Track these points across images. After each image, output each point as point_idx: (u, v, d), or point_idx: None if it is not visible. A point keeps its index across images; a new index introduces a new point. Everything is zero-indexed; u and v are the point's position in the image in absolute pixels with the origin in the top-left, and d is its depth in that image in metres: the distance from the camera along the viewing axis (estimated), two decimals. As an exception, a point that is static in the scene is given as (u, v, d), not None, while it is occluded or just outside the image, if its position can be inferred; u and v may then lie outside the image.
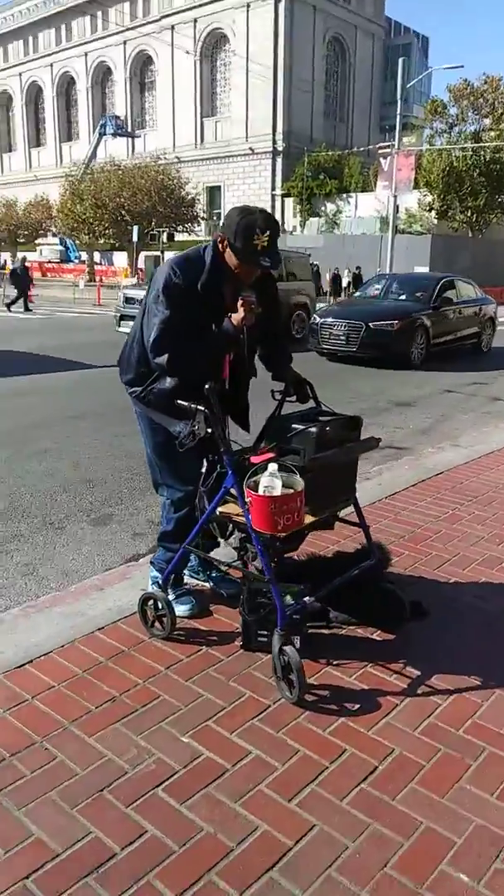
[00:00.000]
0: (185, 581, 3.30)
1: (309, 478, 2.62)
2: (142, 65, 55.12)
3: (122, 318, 14.34)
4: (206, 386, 2.54)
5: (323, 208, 42.34)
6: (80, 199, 32.86)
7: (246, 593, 2.81)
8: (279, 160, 46.71)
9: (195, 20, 49.70)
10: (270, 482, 2.44)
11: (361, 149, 42.29)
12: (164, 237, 29.94)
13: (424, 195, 35.59)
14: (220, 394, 2.87)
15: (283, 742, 2.32)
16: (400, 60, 26.69)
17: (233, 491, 2.64)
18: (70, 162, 46.42)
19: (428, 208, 36.16)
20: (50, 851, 1.88)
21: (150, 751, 2.27)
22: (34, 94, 63.56)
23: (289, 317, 14.56)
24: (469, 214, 36.20)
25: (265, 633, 2.78)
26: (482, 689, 2.65)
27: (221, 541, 3.14)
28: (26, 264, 25.29)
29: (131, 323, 11.35)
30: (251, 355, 3.00)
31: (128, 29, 53.22)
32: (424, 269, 27.69)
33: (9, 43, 63.65)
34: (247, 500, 2.49)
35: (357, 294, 15.52)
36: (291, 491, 2.47)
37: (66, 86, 60.85)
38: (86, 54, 57.76)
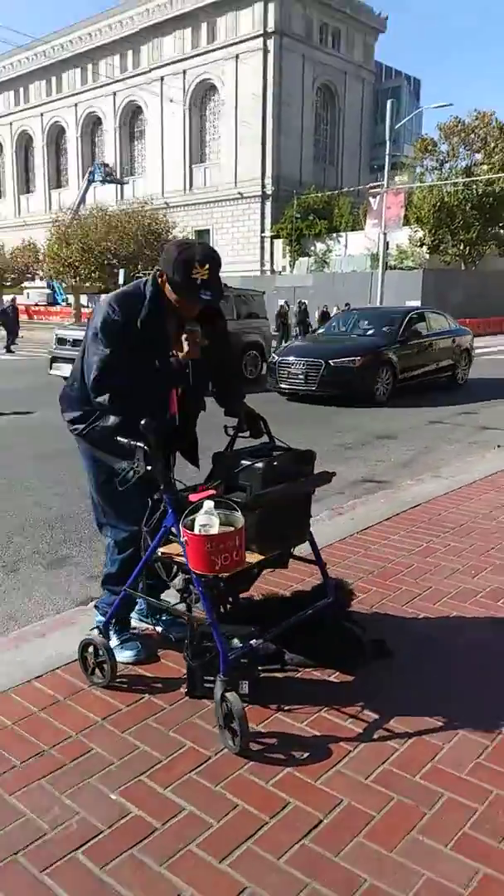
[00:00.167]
0: (133, 626, 3.17)
1: (256, 515, 2.53)
2: (131, 114, 56.62)
3: (55, 359, 13.57)
4: (143, 422, 2.47)
5: (313, 248, 43.00)
6: (67, 244, 33.38)
7: (189, 637, 2.68)
8: (268, 203, 47.61)
9: (184, 71, 51.21)
10: (207, 520, 2.34)
11: (351, 188, 43.17)
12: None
13: (415, 231, 36.20)
14: (170, 429, 2.82)
15: (220, 796, 2.17)
16: (388, 103, 27.44)
17: (174, 530, 2.54)
18: (59, 208, 47.27)
19: (419, 244, 36.75)
20: None
21: (73, 809, 2.12)
22: (24, 143, 65.13)
23: (241, 356, 14.01)
24: (462, 247, 36.79)
25: (211, 678, 2.64)
26: (444, 730, 2.51)
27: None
28: (16, 305, 25.54)
29: (63, 365, 11.27)
30: (200, 389, 2.95)
31: (118, 81, 54.84)
32: (416, 304, 27.99)
33: (0, 93, 65.49)
34: (182, 539, 2.39)
35: (321, 331, 15.13)
36: (231, 529, 2.37)
37: (57, 135, 62.39)
38: (76, 105, 59.39)
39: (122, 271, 29.42)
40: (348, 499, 5.69)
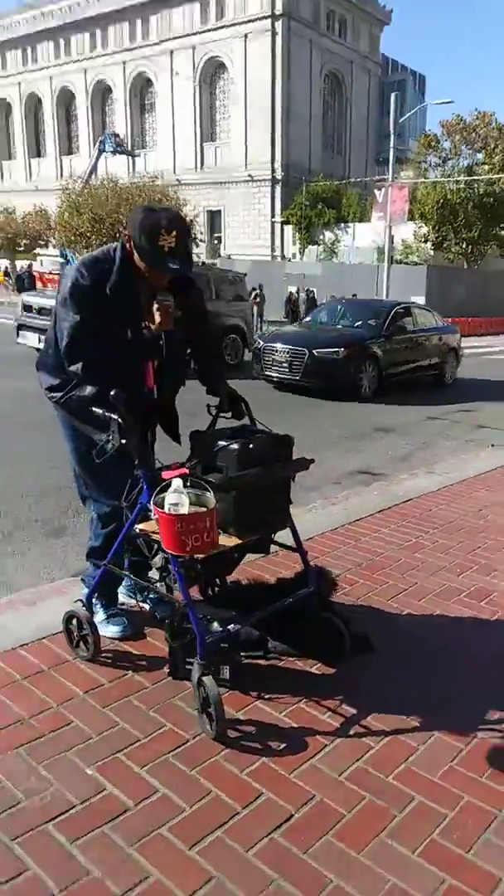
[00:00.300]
0: (121, 601, 3.13)
1: (233, 497, 2.48)
2: (141, 86, 55.66)
3: (21, 327, 12.72)
4: (112, 393, 2.39)
5: (321, 237, 42.65)
6: (78, 213, 32.84)
7: (170, 618, 2.65)
8: (278, 188, 47.09)
9: (193, 47, 50.32)
10: (177, 499, 2.29)
11: (359, 179, 42.77)
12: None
13: (420, 227, 35.92)
14: (146, 403, 2.75)
15: (195, 781, 2.15)
16: (392, 95, 27.08)
17: (150, 507, 2.48)
18: (70, 175, 46.55)
19: (423, 239, 36.47)
20: None
21: (48, 781, 2.09)
22: (34, 105, 63.91)
23: (220, 340, 13.09)
24: (464, 246, 36.54)
25: (193, 660, 2.61)
26: (420, 731, 2.48)
27: None
28: (32, 272, 25.09)
29: (29, 334, 10.93)
30: (177, 364, 2.86)
31: (126, 50, 53.84)
32: (420, 299, 27.82)
33: (7, 51, 64.06)
34: (153, 517, 2.34)
35: (307, 319, 14.33)
36: (203, 509, 2.32)
37: (67, 100, 61.27)
38: (85, 71, 58.20)
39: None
40: (343, 489, 5.65)
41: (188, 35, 50.52)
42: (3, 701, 2.44)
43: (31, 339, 12.18)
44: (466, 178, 34.93)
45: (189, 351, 2.99)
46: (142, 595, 3.16)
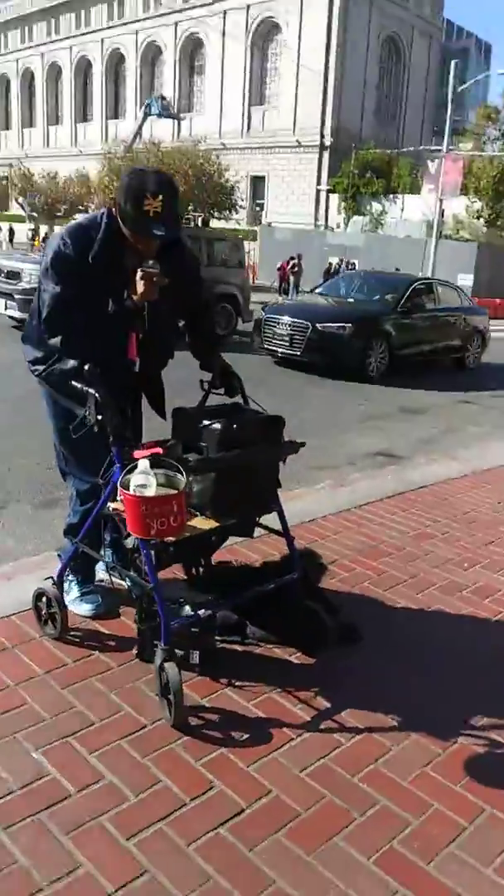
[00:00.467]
0: (100, 578, 3.08)
1: (211, 479, 2.41)
2: (192, 48, 55.09)
3: None
4: (86, 368, 2.33)
5: (368, 207, 41.87)
6: (118, 177, 32.85)
7: (139, 599, 2.59)
8: (326, 155, 46.28)
9: (248, 6, 49.44)
10: (144, 480, 2.21)
11: (412, 148, 41.75)
12: (199, 222, 29.81)
13: (473, 202, 34.97)
14: (127, 376, 2.68)
15: (145, 770, 2.10)
16: (452, 63, 26.26)
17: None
18: (115, 138, 46.47)
19: (476, 215, 35.52)
20: None
21: (-10, 764, 2.06)
22: (83, 68, 63.88)
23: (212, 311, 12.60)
24: (520, 224, 35.51)
25: (161, 643, 2.56)
26: (397, 731, 2.40)
27: None
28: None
29: (1, 301, 10.64)
30: (164, 335, 2.77)
31: (178, 10, 53.22)
32: (469, 278, 27.19)
33: (61, 15, 64.05)
34: (119, 498, 2.27)
35: (319, 290, 13.21)
36: (173, 492, 2.24)
37: (116, 62, 61.07)
38: (137, 32, 57.83)
39: (169, 211, 28.92)
40: (357, 470, 5.55)
41: (244, -6, 49.62)
42: (-40, 677, 2.42)
43: None
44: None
45: (182, 323, 2.91)
46: (120, 573, 3.12)
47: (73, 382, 2.46)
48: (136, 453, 2.33)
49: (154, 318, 2.64)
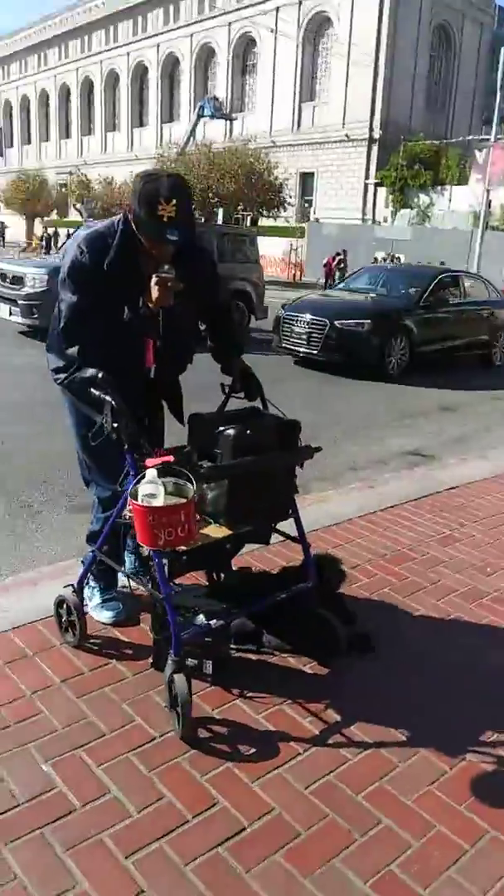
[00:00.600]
0: (123, 584, 3.06)
1: (224, 487, 2.36)
2: (245, 47, 54.72)
3: None
4: (99, 376, 2.29)
5: (416, 200, 41.01)
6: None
7: (154, 608, 2.56)
8: (375, 148, 45.45)
9: (300, 2, 48.80)
10: (152, 490, 2.16)
11: (460, 138, 40.64)
12: (248, 221, 29.70)
13: (524, 192, 33.89)
14: (143, 384, 2.64)
15: (149, 784, 2.06)
16: (503, 50, 25.41)
17: None
18: (169, 142, 46.60)
19: (526, 205, 34.44)
20: None
21: (0, 776, 2.05)
22: (140, 74, 64.21)
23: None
24: None
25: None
26: (404, 746, 2.31)
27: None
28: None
29: (5, 307, 10.34)
30: (181, 341, 2.69)
31: (232, 11, 52.85)
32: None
33: (119, 22, 64.47)
34: (128, 507, 2.24)
35: (339, 286, 12.61)
36: (181, 501, 2.19)
37: (171, 66, 61.16)
38: (191, 35, 57.76)
39: (220, 211, 28.87)
40: (389, 470, 5.42)
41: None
42: (-20, 686, 2.44)
43: (3, 311, 11.15)
44: None
45: (203, 326, 2.85)
46: (140, 580, 3.09)
47: (92, 390, 2.43)
48: (148, 461, 2.30)
49: (170, 323, 2.58)
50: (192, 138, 42.31)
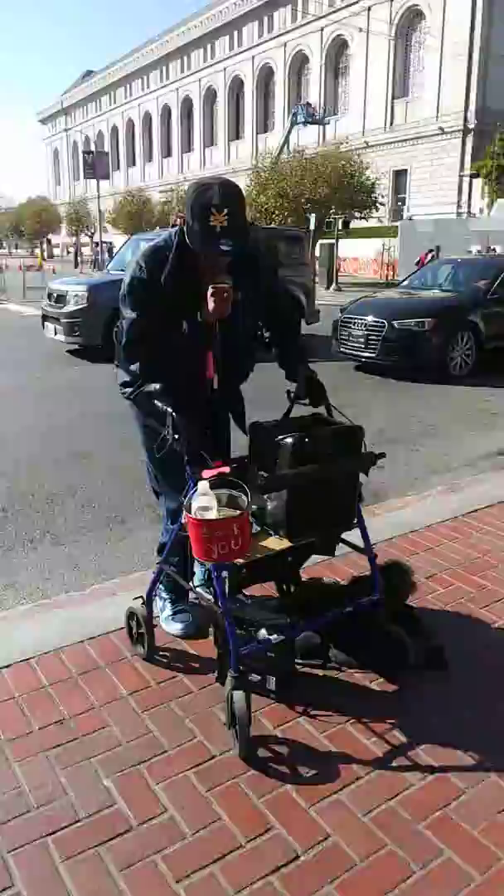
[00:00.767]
0: (194, 597, 3.03)
1: (284, 497, 2.27)
2: (337, 50, 54.04)
3: (46, 318, 10.96)
4: (155, 388, 2.25)
5: (514, 188, 39.09)
6: (264, 190, 32.81)
7: (216, 622, 2.50)
8: (469, 138, 43.74)
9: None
10: (206, 502, 2.10)
11: None
12: (340, 224, 29.24)
13: None
14: (205, 395, 2.59)
15: (206, 805, 2.01)
16: None
17: None
18: (264, 153, 46.78)
19: None
20: None
21: (64, 789, 2.06)
22: (236, 88, 64.78)
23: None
24: None
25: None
26: (472, 770, 2.14)
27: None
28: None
29: (49, 325, 10.57)
30: (241, 350, 2.60)
31: (325, 15, 52.27)
32: None
33: (216, 40, 65.28)
34: (183, 520, 2.18)
35: (405, 283, 11.96)
36: (235, 513, 2.11)
37: (266, 77, 61.28)
38: (285, 44, 57.67)
39: (312, 216, 28.56)
40: (475, 472, 5.14)
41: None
42: (52, 698, 2.46)
43: (49, 331, 10.98)
44: None
45: (266, 333, 2.77)
46: (209, 591, 3.05)
47: (155, 402, 2.40)
48: (205, 472, 2.25)
49: (228, 333, 2.52)
50: (286, 146, 42.20)
